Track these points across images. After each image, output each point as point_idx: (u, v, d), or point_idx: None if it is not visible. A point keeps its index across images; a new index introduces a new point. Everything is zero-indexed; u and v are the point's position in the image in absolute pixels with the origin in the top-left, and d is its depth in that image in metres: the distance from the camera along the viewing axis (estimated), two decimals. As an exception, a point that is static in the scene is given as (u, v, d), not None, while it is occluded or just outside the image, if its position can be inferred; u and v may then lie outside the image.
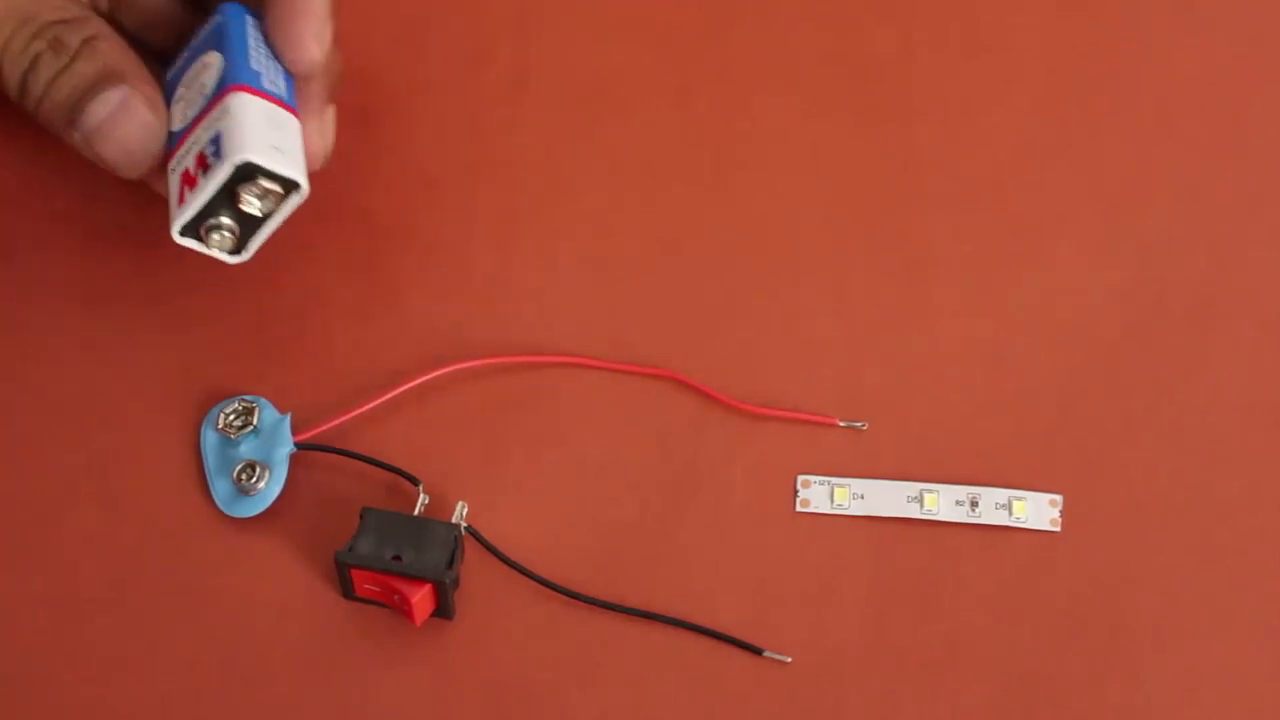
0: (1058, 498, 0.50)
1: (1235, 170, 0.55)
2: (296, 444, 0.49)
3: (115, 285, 0.52)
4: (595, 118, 0.56)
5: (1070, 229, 0.54)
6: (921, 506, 0.50)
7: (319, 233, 0.53)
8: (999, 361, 0.52)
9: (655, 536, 0.50)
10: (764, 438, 0.51)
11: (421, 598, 0.46)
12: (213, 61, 0.47)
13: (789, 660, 0.48)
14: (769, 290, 0.53)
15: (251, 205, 0.46)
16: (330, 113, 0.50)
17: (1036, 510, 0.50)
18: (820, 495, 0.50)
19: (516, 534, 0.49)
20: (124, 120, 0.46)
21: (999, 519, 0.50)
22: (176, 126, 0.47)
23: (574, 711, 0.47)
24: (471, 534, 0.48)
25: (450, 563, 0.47)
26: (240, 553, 0.49)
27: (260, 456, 0.49)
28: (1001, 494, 0.50)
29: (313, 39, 0.48)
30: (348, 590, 0.48)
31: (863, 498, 0.50)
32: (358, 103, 0.55)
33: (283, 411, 0.50)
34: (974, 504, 0.50)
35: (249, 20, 0.48)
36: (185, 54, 0.49)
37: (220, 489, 0.49)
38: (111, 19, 0.50)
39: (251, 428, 0.49)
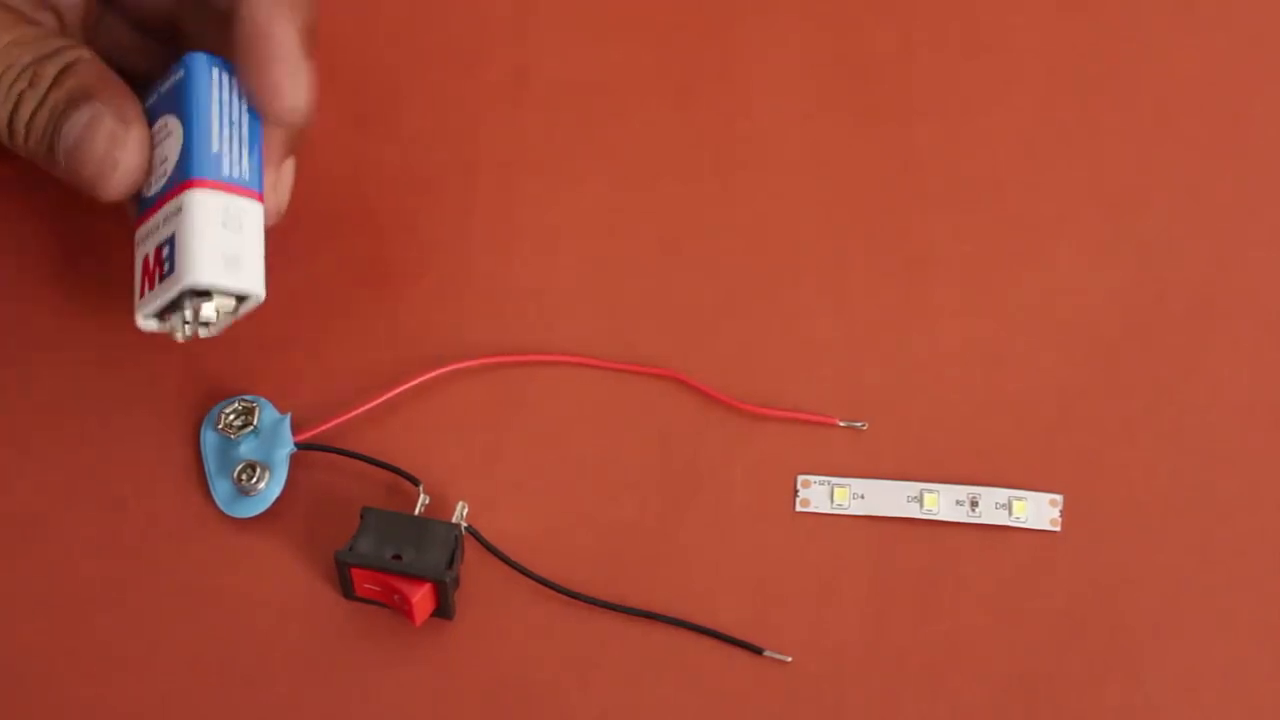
0: (1058, 498, 0.50)
1: (1235, 170, 0.55)
2: (296, 444, 0.49)
3: (115, 285, 0.52)
4: (595, 118, 0.56)
5: (1070, 229, 0.54)
6: (921, 506, 0.50)
7: (319, 232, 0.53)
8: (999, 361, 0.52)
9: (655, 536, 0.50)
10: (764, 438, 0.51)
11: (421, 597, 0.46)
12: (174, 129, 0.46)
13: (789, 660, 0.48)
14: (769, 290, 0.53)
15: (206, 311, 0.46)
16: (289, 167, 0.49)
17: (1036, 510, 0.50)
18: (820, 495, 0.50)
19: (517, 534, 0.49)
20: (91, 137, 0.45)
21: (999, 519, 0.50)
22: (149, 193, 0.46)
23: (574, 711, 0.47)
24: (472, 534, 0.48)
25: (450, 562, 0.47)
26: (240, 553, 0.49)
27: (260, 456, 0.49)
28: (1001, 494, 0.50)
29: (289, 84, 0.46)
30: (348, 590, 0.48)
31: (863, 497, 0.50)
32: (358, 102, 0.55)
33: (283, 411, 0.50)
34: (974, 504, 0.50)
35: (213, 74, 0.46)
36: (154, 96, 0.47)
37: (220, 489, 0.49)
38: (95, 43, 0.49)
39: (251, 428, 0.49)
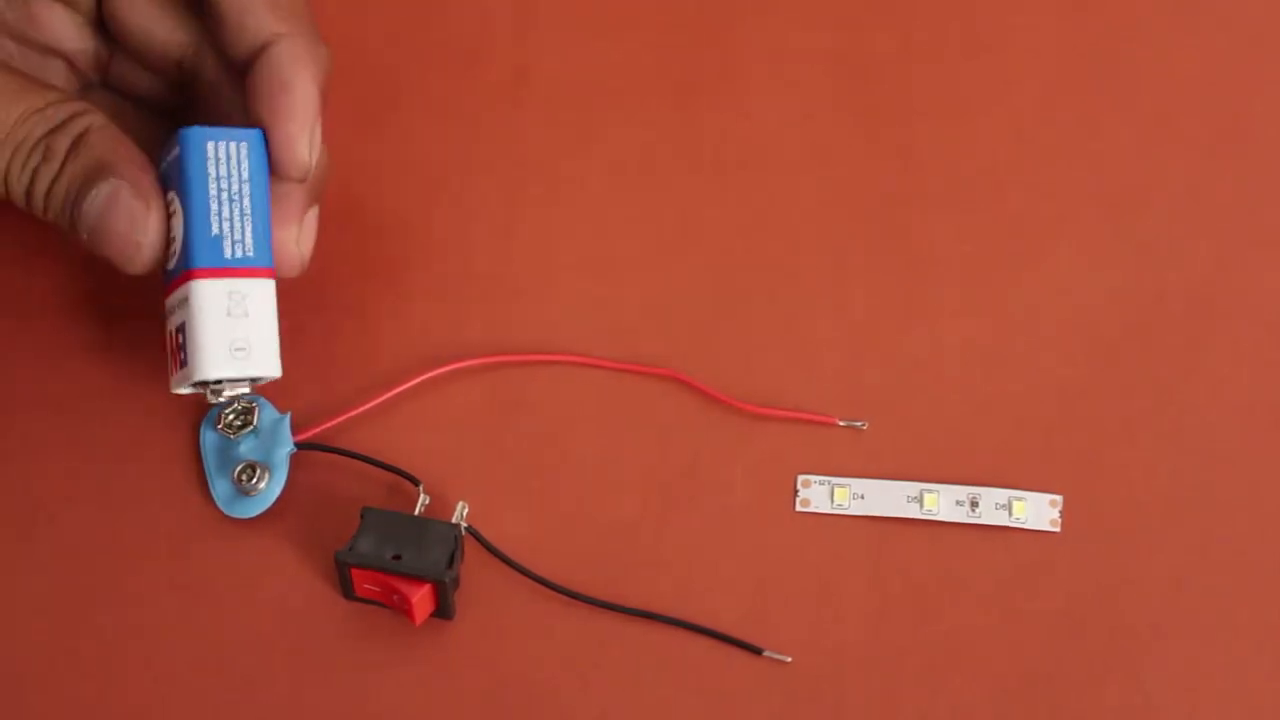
0: (1058, 498, 0.50)
1: (1235, 170, 0.55)
2: (296, 444, 0.49)
3: (116, 285, 0.52)
4: (595, 117, 0.56)
5: (1070, 229, 0.54)
6: (921, 506, 0.50)
7: (319, 232, 0.53)
8: (999, 361, 0.52)
9: (655, 536, 0.50)
10: (764, 437, 0.51)
11: (421, 597, 0.46)
12: (178, 208, 0.46)
13: (789, 660, 0.48)
14: (769, 290, 0.53)
15: (225, 392, 0.47)
16: (312, 216, 0.49)
17: (1036, 510, 0.50)
18: (820, 495, 0.50)
19: (517, 534, 0.49)
20: (113, 214, 0.45)
21: (999, 519, 0.50)
22: (169, 265, 0.46)
23: (574, 711, 0.47)
24: (472, 534, 0.48)
25: (450, 562, 0.47)
26: (240, 553, 0.49)
27: (260, 456, 0.49)
28: (1001, 494, 0.50)
29: (304, 142, 0.46)
30: (348, 590, 0.48)
31: (863, 498, 0.50)
32: (358, 102, 0.55)
33: (282, 411, 0.50)
34: (974, 504, 0.50)
35: (208, 149, 0.45)
36: (162, 163, 0.47)
37: (220, 489, 0.49)
38: (107, 85, 0.50)
39: (251, 427, 0.49)
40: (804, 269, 0.54)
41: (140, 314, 0.51)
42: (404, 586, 0.46)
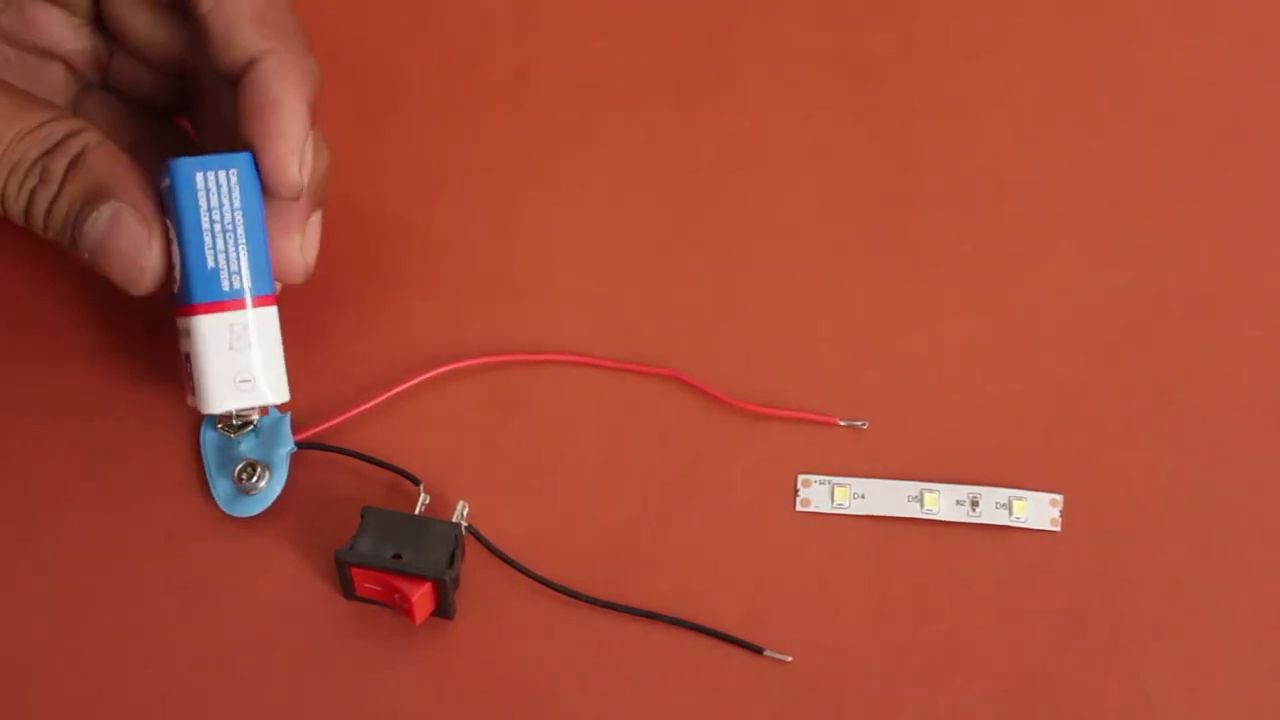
0: (1058, 497, 0.50)
1: (1235, 170, 0.55)
2: (296, 443, 0.49)
3: (116, 285, 0.52)
4: (595, 117, 0.56)
5: (1070, 229, 0.54)
6: (922, 506, 0.50)
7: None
8: (999, 361, 0.52)
9: (656, 535, 0.50)
10: (764, 437, 0.51)
11: (422, 596, 0.46)
12: (174, 237, 0.46)
13: (789, 659, 0.48)
14: (769, 290, 0.53)
15: (235, 422, 0.48)
16: (314, 223, 0.48)
17: (1037, 510, 0.50)
18: (821, 495, 0.50)
19: (517, 533, 0.49)
20: (116, 237, 0.45)
21: (999, 518, 0.50)
22: (175, 289, 0.46)
23: (574, 711, 0.47)
24: (472, 533, 0.48)
25: (450, 561, 0.47)
26: (241, 552, 0.49)
27: (260, 455, 0.49)
28: (1002, 493, 0.50)
29: (294, 163, 0.45)
30: (348, 590, 0.48)
31: (863, 497, 0.50)
32: (358, 102, 0.55)
33: (283, 410, 0.50)
34: (974, 504, 0.50)
35: (198, 180, 0.45)
36: (159, 184, 0.46)
37: (220, 488, 0.49)
38: (107, 85, 0.50)
39: (251, 427, 0.49)
40: (804, 269, 0.54)
41: (140, 314, 0.51)
42: (404, 585, 0.46)
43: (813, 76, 0.57)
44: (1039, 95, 0.57)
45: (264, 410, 0.48)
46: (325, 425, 0.50)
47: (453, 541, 0.47)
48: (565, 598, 0.48)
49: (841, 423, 0.51)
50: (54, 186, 0.45)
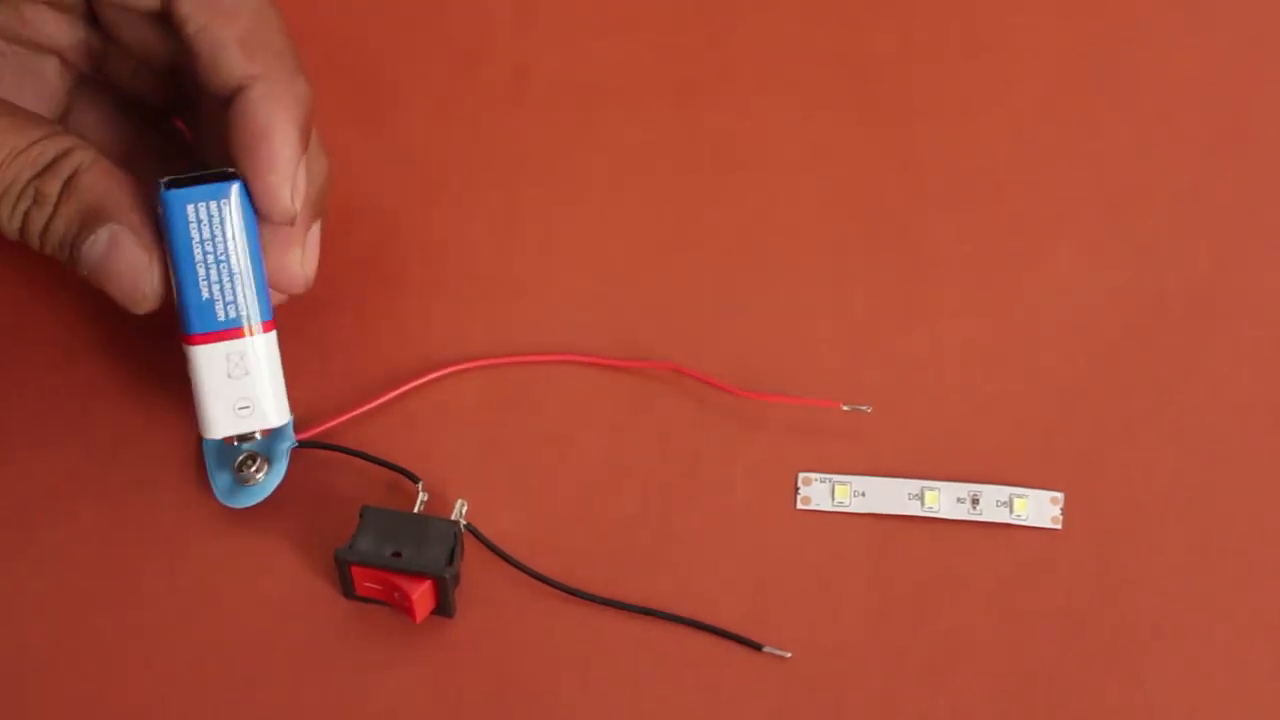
0: (1059, 495, 0.50)
1: (1235, 170, 0.55)
2: (297, 441, 0.49)
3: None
4: (596, 116, 0.56)
5: (1070, 229, 0.54)
6: (922, 504, 0.50)
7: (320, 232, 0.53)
8: (999, 360, 0.52)
9: (656, 533, 0.49)
10: (765, 435, 0.51)
11: (422, 594, 0.46)
12: (169, 262, 0.46)
13: (789, 656, 0.48)
14: (769, 291, 0.53)
15: (241, 448, 0.49)
16: (314, 234, 0.48)
17: (1037, 508, 0.50)
18: (821, 492, 0.50)
19: (516, 531, 0.49)
20: (115, 260, 0.45)
21: (1000, 516, 0.50)
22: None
23: (574, 707, 0.47)
24: (471, 531, 0.48)
25: (450, 559, 0.47)
26: (241, 552, 0.49)
27: (261, 451, 0.49)
28: (1002, 491, 0.50)
29: (285, 191, 0.45)
30: (348, 589, 0.48)
31: (864, 495, 0.50)
32: (358, 102, 0.55)
33: (283, 413, 0.50)
34: (975, 501, 0.50)
35: (188, 211, 0.45)
36: (155, 204, 0.46)
37: (220, 481, 0.49)
38: (102, 80, 0.50)
39: (253, 440, 0.49)
40: (804, 269, 0.54)
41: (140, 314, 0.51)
42: (404, 583, 0.46)
43: (813, 76, 0.57)
44: (1039, 95, 0.57)
45: (265, 432, 0.48)
46: (325, 426, 0.50)
47: (452, 539, 0.47)
48: (565, 595, 0.48)
49: (845, 407, 0.51)
50: (49, 208, 0.44)
